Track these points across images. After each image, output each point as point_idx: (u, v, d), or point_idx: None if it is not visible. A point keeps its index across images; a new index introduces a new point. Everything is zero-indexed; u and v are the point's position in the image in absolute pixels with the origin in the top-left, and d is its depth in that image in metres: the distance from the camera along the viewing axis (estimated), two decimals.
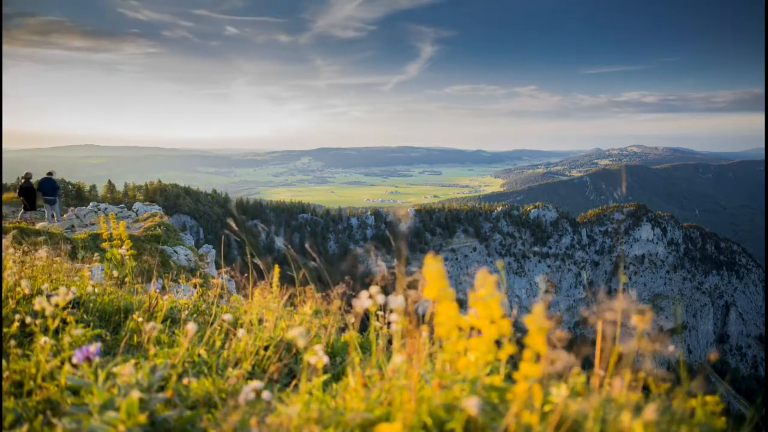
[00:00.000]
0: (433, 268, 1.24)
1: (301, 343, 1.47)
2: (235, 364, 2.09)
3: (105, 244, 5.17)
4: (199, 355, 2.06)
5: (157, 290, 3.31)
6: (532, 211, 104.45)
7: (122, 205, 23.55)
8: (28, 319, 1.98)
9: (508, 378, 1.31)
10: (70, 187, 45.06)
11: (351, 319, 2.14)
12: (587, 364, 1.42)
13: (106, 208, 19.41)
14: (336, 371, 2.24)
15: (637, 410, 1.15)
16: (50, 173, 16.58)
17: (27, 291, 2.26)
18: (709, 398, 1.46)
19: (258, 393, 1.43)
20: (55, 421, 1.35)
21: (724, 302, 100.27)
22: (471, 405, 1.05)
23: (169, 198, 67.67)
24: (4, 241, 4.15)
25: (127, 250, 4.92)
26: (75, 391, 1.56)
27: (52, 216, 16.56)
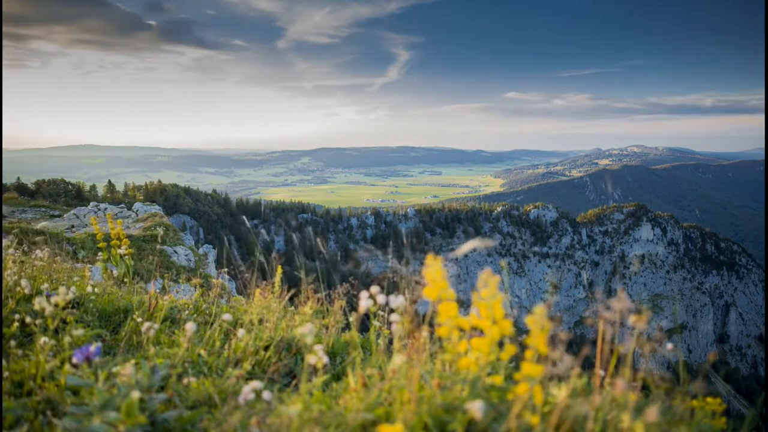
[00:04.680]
0: (433, 268, 1.24)
1: (308, 340, 1.47)
2: (235, 364, 2.09)
3: (101, 244, 5.15)
4: (199, 355, 2.06)
5: (157, 290, 3.31)
6: (532, 211, 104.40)
7: (122, 205, 23.51)
8: (28, 319, 1.98)
9: (509, 378, 1.31)
10: (70, 187, 45.06)
11: (352, 318, 2.14)
12: (587, 365, 1.41)
13: (106, 208, 19.38)
14: (336, 371, 2.24)
15: (638, 410, 1.14)
16: None
17: (27, 291, 2.26)
18: (710, 399, 1.46)
19: (258, 393, 1.43)
20: (55, 421, 1.35)
21: (724, 302, 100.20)
22: (475, 408, 1.04)
23: (169, 198, 67.62)
24: (4, 241, 4.15)
25: (126, 250, 4.91)
26: (75, 391, 1.56)
27: None
